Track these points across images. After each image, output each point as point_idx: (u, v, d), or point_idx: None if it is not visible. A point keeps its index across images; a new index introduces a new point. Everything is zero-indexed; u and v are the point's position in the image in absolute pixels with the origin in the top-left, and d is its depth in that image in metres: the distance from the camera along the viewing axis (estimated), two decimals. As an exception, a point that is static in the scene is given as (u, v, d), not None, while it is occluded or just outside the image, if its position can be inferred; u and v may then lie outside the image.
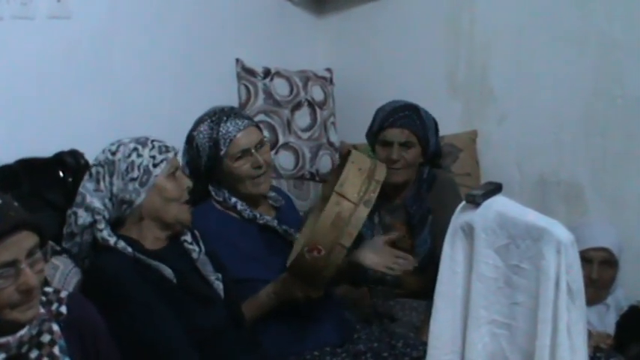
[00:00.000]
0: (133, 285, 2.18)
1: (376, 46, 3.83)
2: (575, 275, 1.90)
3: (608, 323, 3.01)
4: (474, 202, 2.02)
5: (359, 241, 2.88)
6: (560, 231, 1.90)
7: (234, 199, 2.66)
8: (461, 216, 2.06)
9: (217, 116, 2.63)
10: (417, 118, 2.96)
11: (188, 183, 2.37)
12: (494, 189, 2.07)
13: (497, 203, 2.03)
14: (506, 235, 1.97)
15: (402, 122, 2.93)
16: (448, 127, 3.13)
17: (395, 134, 2.94)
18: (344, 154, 2.68)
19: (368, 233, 3.01)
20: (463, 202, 2.07)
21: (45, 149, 2.54)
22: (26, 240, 1.69)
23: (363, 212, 2.35)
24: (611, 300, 3.08)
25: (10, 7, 2.51)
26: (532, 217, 1.97)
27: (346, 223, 2.34)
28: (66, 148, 2.57)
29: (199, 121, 2.66)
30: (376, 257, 2.69)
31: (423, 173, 3.02)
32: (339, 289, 3.04)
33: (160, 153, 2.31)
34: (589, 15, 3.25)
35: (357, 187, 2.38)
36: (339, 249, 2.34)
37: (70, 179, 2.50)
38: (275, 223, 2.72)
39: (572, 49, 3.30)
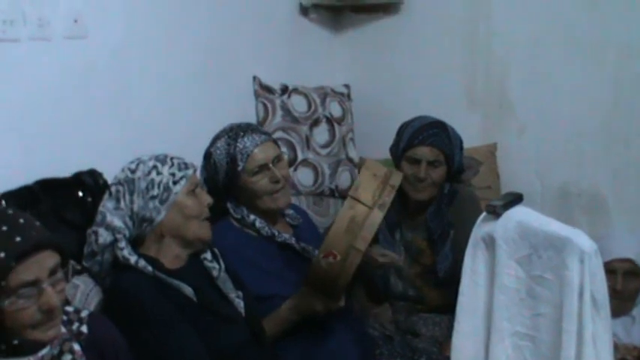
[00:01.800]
0: (153, 304, 2.18)
1: (393, 61, 3.82)
2: (599, 285, 1.88)
3: (634, 335, 2.97)
4: (495, 212, 2.01)
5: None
6: (583, 240, 1.89)
7: (252, 217, 2.66)
8: (482, 227, 2.05)
9: (234, 132, 2.64)
10: (445, 136, 2.93)
11: (208, 200, 2.37)
12: (515, 199, 2.05)
13: (518, 213, 2.02)
14: (527, 245, 1.96)
15: (432, 141, 2.90)
16: (467, 140, 3.10)
17: (424, 152, 2.91)
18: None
19: (390, 250, 2.99)
20: (484, 213, 2.06)
21: (64, 169, 2.54)
22: (48, 259, 1.69)
23: (378, 216, 2.35)
24: (637, 312, 3.04)
25: (27, 28, 2.51)
26: (554, 226, 1.96)
27: (360, 227, 2.33)
28: (84, 168, 2.58)
29: (216, 138, 2.66)
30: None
31: (444, 188, 3.00)
32: (360, 306, 3.03)
33: (180, 170, 2.31)
34: (607, 24, 3.23)
35: (371, 191, 2.37)
36: (354, 253, 2.33)
37: (89, 199, 2.50)
38: (293, 240, 2.71)
39: (591, 59, 3.28)
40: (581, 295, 1.86)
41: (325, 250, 2.33)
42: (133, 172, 2.30)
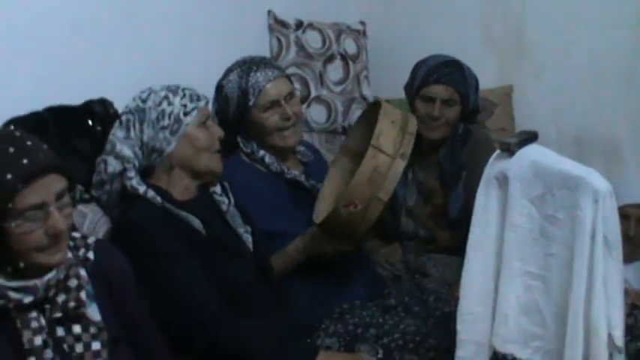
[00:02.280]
0: (161, 235, 2.17)
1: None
2: (612, 226, 1.86)
3: (646, 281, 2.96)
4: (509, 150, 1.98)
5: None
6: (597, 180, 1.86)
7: (262, 152, 2.64)
8: (495, 165, 2.02)
9: (247, 66, 2.60)
10: (460, 75, 2.89)
11: (219, 132, 2.35)
12: (530, 137, 2.02)
13: (533, 152, 1.98)
14: (541, 184, 1.93)
15: (447, 79, 2.86)
16: (483, 82, 3.05)
17: (439, 91, 2.87)
18: (371, 105, 2.63)
19: (402, 190, 2.97)
20: (497, 151, 2.03)
21: (74, 97, 2.52)
22: (55, 183, 1.67)
23: (400, 165, 2.33)
24: (649, 257, 3.03)
25: (41, -48, 2.48)
26: (568, 165, 1.93)
27: (383, 177, 2.30)
28: (95, 96, 2.55)
29: (229, 71, 2.63)
30: None
31: (458, 129, 2.96)
32: (371, 244, 3.03)
33: (191, 101, 2.28)
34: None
35: (392, 140, 2.34)
36: (376, 203, 2.32)
37: (99, 128, 2.48)
38: (303, 177, 2.69)
39: (609, 3, 3.22)
40: (593, 235, 1.84)
41: (346, 199, 2.31)
42: (143, 101, 2.28)
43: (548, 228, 1.93)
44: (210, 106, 2.51)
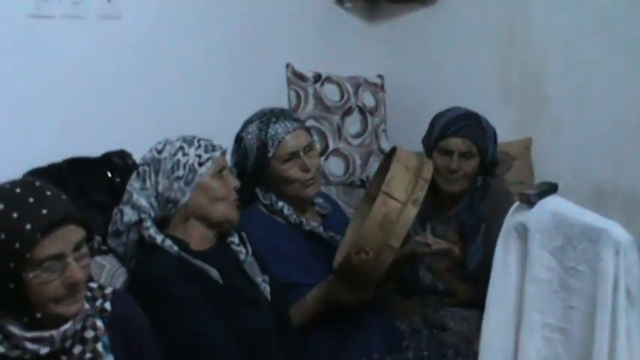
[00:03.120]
0: (178, 286, 2.17)
1: (428, 53, 3.78)
2: (634, 278, 1.84)
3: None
4: (528, 201, 1.96)
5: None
6: (618, 232, 1.84)
7: (280, 204, 2.64)
8: (514, 216, 2.00)
9: (267, 117, 2.62)
10: (478, 128, 2.89)
11: (235, 182, 2.35)
12: (549, 189, 2.01)
13: (553, 203, 1.97)
14: (561, 236, 1.92)
15: (465, 132, 2.86)
16: (501, 135, 3.05)
17: (456, 144, 2.87)
18: (388, 152, 2.63)
19: (419, 244, 2.96)
20: (517, 203, 2.02)
21: (93, 149, 2.53)
22: (73, 233, 1.68)
23: (412, 212, 2.30)
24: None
25: (62, 5, 2.51)
26: (589, 217, 1.91)
27: (394, 223, 2.29)
28: (114, 148, 2.57)
29: (248, 122, 2.65)
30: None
31: (477, 181, 2.96)
32: (388, 298, 3.00)
33: (206, 152, 2.29)
34: (647, 19, 3.16)
35: (404, 185, 2.33)
36: (387, 250, 2.30)
37: (118, 179, 2.49)
38: (321, 229, 2.69)
39: (630, 54, 3.21)
40: (615, 287, 1.82)
41: (357, 246, 2.30)
42: (159, 152, 2.29)
43: (569, 280, 1.91)
44: (228, 157, 2.52)
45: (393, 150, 2.50)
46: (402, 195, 2.31)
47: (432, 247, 2.66)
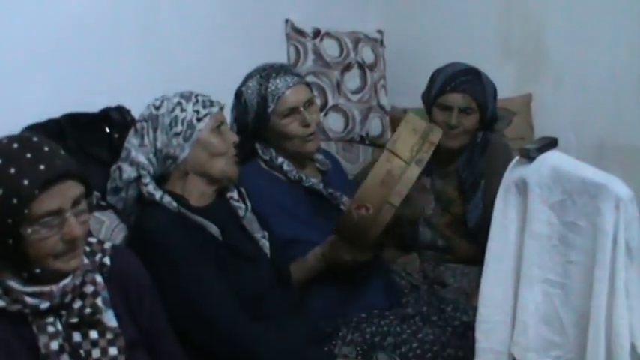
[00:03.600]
0: (177, 241, 2.17)
1: (428, 8, 3.75)
2: (633, 233, 1.83)
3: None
4: (528, 156, 1.96)
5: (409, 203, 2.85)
6: (618, 186, 1.84)
7: (280, 159, 2.63)
8: (514, 171, 2.00)
9: (267, 72, 2.59)
10: (478, 83, 2.87)
11: (234, 138, 2.34)
12: (549, 144, 2.00)
13: (552, 158, 1.96)
14: (561, 190, 1.91)
15: (465, 87, 2.84)
16: (502, 91, 3.03)
17: (456, 99, 2.85)
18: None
19: (420, 199, 2.96)
20: (517, 157, 2.01)
21: (91, 105, 2.52)
22: (72, 189, 1.68)
23: (415, 171, 2.30)
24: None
25: (58, -39, 2.49)
26: (589, 172, 1.90)
27: (396, 181, 2.28)
28: (112, 104, 2.56)
29: (248, 77, 2.62)
30: None
31: (476, 138, 2.95)
32: (389, 254, 3.01)
33: (204, 107, 2.28)
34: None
35: (409, 146, 2.32)
36: (387, 208, 2.29)
37: (116, 135, 2.49)
38: (321, 186, 2.68)
39: (631, 9, 3.18)
40: (614, 242, 1.81)
41: (358, 201, 2.29)
42: (157, 108, 2.28)
43: (568, 235, 1.91)
44: (227, 113, 2.51)
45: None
46: (407, 154, 2.30)
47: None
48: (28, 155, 1.64)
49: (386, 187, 2.28)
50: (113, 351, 1.76)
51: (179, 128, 2.24)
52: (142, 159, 2.26)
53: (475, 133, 2.94)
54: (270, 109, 2.56)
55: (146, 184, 2.23)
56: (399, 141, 2.32)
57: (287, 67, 2.69)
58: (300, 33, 3.45)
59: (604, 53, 3.28)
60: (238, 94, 2.63)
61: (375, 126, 3.56)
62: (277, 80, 2.57)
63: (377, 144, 3.55)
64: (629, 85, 3.25)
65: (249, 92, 2.59)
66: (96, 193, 1.79)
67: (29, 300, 1.67)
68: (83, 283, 1.76)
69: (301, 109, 2.59)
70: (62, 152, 1.71)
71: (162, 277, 2.07)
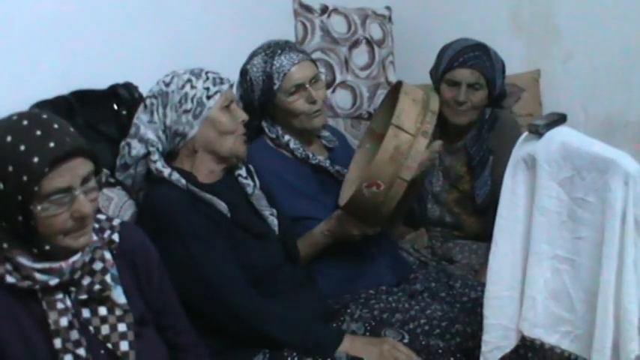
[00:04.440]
0: (186, 217, 2.17)
1: (437, -17, 3.74)
2: (643, 208, 1.82)
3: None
4: (537, 132, 1.94)
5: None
6: (628, 162, 1.83)
7: (287, 137, 2.62)
8: (523, 147, 1.99)
9: (272, 50, 2.58)
10: (486, 59, 2.85)
11: (243, 116, 2.33)
12: (558, 119, 1.99)
13: (561, 134, 1.95)
14: (570, 166, 1.90)
15: (473, 63, 2.83)
16: (510, 66, 3.02)
17: (464, 75, 2.84)
18: (393, 87, 2.61)
19: (428, 176, 2.95)
20: (525, 133, 2.00)
21: (100, 82, 2.52)
22: (81, 167, 1.67)
23: (422, 144, 2.29)
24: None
25: None
26: (598, 148, 1.89)
27: (405, 156, 2.28)
28: (121, 80, 2.56)
29: (253, 54, 2.61)
30: None
31: (485, 114, 2.94)
32: (397, 230, 3.01)
33: (214, 85, 2.27)
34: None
35: (413, 118, 2.31)
36: (399, 183, 2.29)
37: (124, 112, 2.49)
38: (327, 163, 2.67)
39: (643, -16, 3.17)
40: (623, 218, 1.81)
41: (369, 179, 2.29)
42: (167, 85, 2.27)
43: (577, 211, 1.90)
44: (234, 90, 2.50)
45: (398, 85, 2.48)
46: (412, 127, 2.29)
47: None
48: (38, 132, 1.63)
49: (396, 163, 2.28)
50: (122, 327, 1.77)
51: (189, 105, 2.24)
52: (151, 135, 2.25)
53: (483, 109, 2.93)
54: (276, 87, 2.56)
55: (155, 161, 2.23)
56: (403, 115, 2.30)
57: (292, 44, 2.68)
58: (308, 9, 3.43)
59: (614, 29, 3.26)
60: (244, 72, 2.62)
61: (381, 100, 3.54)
62: (283, 57, 2.56)
63: (374, 114, 3.54)
64: (638, 60, 3.23)
65: (254, 70, 2.58)
66: (105, 171, 1.78)
67: (39, 276, 1.67)
68: (92, 260, 1.76)
69: (307, 85, 2.58)
70: (71, 129, 1.71)
71: (171, 253, 2.08)
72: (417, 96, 2.38)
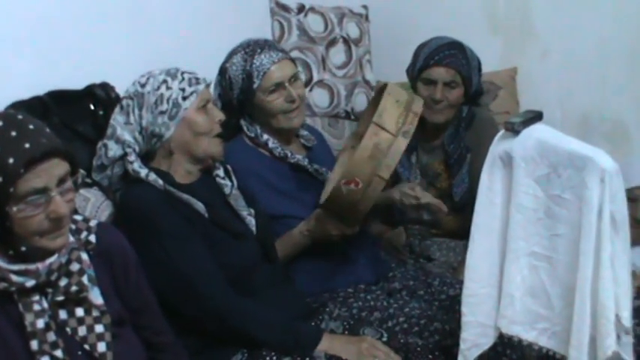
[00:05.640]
0: (164, 217, 2.16)
1: (413, -18, 3.74)
2: (619, 205, 1.83)
3: (653, 264, 2.93)
4: (513, 130, 1.95)
5: (395, 179, 2.85)
6: (604, 159, 1.83)
7: (265, 136, 2.62)
8: (499, 145, 1.99)
9: (251, 48, 2.58)
10: (462, 57, 2.87)
11: (220, 116, 2.32)
12: (535, 117, 1.99)
13: (538, 131, 1.95)
14: (546, 164, 1.90)
15: (448, 61, 2.84)
16: (487, 64, 3.04)
17: (440, 73, 2.85)
18: (379, 88, 2.62)
19: (405, 173, 2.96)
20: (502, 131, 2.00)
21: (76, 82, 2.51)
22: (57, 167, 1.66)
23: (402, 143, 2.30)
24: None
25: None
26: (575, 145, 1.89)
27: (384, 154, 2.28)
28: (97, 80, 2.54)
29: (233, 53, 2.60)
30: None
31: (462, 112, 2.95)
32: (375, 229, 3.01)
33: (190, 85, 2.25)
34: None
35: (394, 118, 2.32)
36: (377, 181, 2.29)
37: (101, 112, 2.48)
38: (306, 162, 2.67)
39: (618, -18, 3.20)
40: (600, 215, 1.81)
41: (347, 176, 2.29)
42: (142, 86, 2.26)
43: (554, 208, 1.91)
44: (212, 89, 2.49)
45: (384, 86, 2.48)
46: (393, 127, 2.30)
47: (420, 201, 2.67)
48: (13, 133, 1.62)
49: (374, 161, 2.28)
50: (99, 328, 1.76)
51: (164, 107, 2.23)
52: (127, 137, 2.24)
53: (460, 107, 2.94)
54: (255, 85, 2.55)
55: (132, 162, 2.22)
56: (385, 114, 2.31)
57: (271, 43, 2.67)
58: (284, 8, 3.43)
59: (590, 27, 3.29)
60: (223, 71, 2.61)
61: (360, 101, 3.55)
62: (262, 56, 2.55)
63: (361, 117, 3.55)
64: (614, 58, 3.27)
65: (233, 69, 2.57)
66: (81, 171, 1.77)
67: (15, 278, 1.66)
68: (69, 261, 1.75)
69: (287, 84, 2.58)
70: (47, 130, 1.69)
71: (149, 253, 2.07)
72: (401, 97, 2.39)
